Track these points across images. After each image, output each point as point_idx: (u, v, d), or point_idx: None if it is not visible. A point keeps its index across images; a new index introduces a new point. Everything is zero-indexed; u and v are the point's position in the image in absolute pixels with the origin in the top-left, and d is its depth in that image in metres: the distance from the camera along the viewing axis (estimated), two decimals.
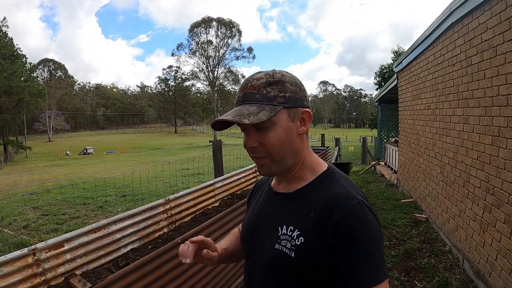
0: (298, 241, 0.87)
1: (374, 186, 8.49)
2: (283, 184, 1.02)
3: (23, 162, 31.16)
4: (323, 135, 12.55)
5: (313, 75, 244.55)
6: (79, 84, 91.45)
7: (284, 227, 0.92)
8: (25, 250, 2.28)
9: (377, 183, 8.99)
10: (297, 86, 0.93)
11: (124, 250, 3.37)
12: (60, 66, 69.54)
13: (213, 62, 51.23)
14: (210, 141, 5.85)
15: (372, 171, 11.38)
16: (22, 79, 38.33)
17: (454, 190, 4.08)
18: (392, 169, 9.88)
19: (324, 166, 0.99)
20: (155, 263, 2.36)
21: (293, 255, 0.86)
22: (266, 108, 0.88)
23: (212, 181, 5.41)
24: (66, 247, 2.64)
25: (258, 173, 7.16)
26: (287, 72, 0.95)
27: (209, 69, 51.08)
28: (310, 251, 0.85)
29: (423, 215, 5.42)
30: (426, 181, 5.42)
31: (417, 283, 3.49)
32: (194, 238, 1.02)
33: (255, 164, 0.98)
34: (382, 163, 11.70)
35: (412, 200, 6.36)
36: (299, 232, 0.88)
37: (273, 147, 0.90)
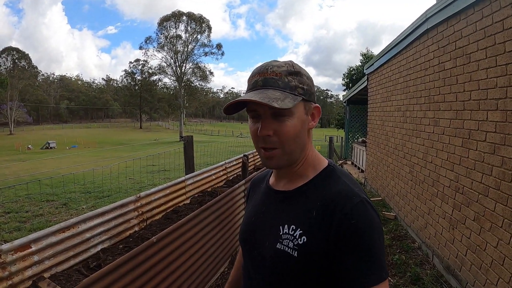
0: (300, 241, 0.85)
1: None
2: (283, 182, 0.99)
3: None
4: None
5: None
6: (42, 75, 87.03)
7: (286, 226, 0.90)
8: None
9: None
10: (311, 81, 0.93)
11: (94, 250, 3.24)
12: (24, 56, 65.48)
13: (181, 57, 50.29)
14: (181, 137, 5.72)
15: None
16: None
17: (423, 189, 4.24)
18: (359, 168, 10.15)
19: (324, 162, 0.97)
20: (130, 264, 2.27)
21: (296, 254, 0.85)
22: (289, 96, 0.85)
23: (183, 178, 5.31)
24: (34, 248, 2.49)
25: (227, 171, 7.13)
26: (300, 66, 0.93)
27: (177, 64, 50.10)
28: (313, 250, 0.83)
29: (392, 213, 5.59)
30: (395, 180, 5.59)
31: (389, 278, 3.59)
32: None
33: (260, 156, 0.93)
34: (349, 162, 12.00)
35: (380, 198, 6.55)
36: (301, 231, 0.86)
37: (288, 137, 0.87)
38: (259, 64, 0.94)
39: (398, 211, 5.40)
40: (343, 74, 25.36)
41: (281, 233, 0.90)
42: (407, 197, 4.92)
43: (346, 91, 22.49)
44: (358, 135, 13.13)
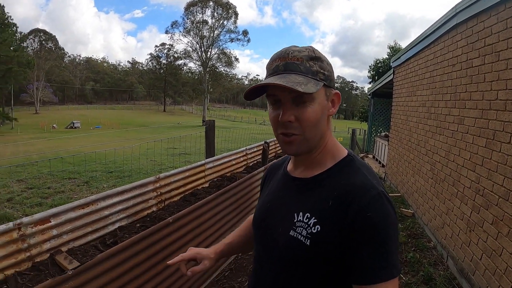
0: (314, 229, 0.84)
1: None
2: (301, 169, 0.98)
3: (8, 133, 30.45)
4: None
5: None
6: (69, 56, 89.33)
7: (301, 213, 0.88)
8: (10, 224, 2.21)
9: None
10: (331, 67, 0.91)
11: (111, 228, 3.33)
12: (51, 37, 67.26)
13: (207, 42, 50.36)
14: (204, 121, 5.75)
15: None
16: (11, 48, 37.06)
17: (443, 188, 4.14)
18: (380, 162, 9.99)
19: (344, 152, 0.95)
20: (144, 243, 2.33)
21: (308, 243, 0.84)
22: (311, 81, 0.84)
23: (203, 162, 5.36)
24: (53, 222, 2.58)
25: (247, 157, 7.17)
26: (321, 53, 0.91)
27: (203, 50, 50.23)
28: (326, 240, 0.82)
29: (410, 210, 5.50)
30: (415, 177, 5.48)
31: (402, 276, 3.56)
32: (185, 255, 1.12)
33: (279, 142, 0.92)
34: (371, 156, 11.82)
35: (399, 194, 6.44)
36: (316, 220, 0.85)
37: (310, 123, 0.86)
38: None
39: (416, 208, 5.30)
40: (369, 66, 24.77)
41: (295, 220, 0.89)
42: (426, 195, 4.82)
43: (371, 83, 22.03)
44: (381, 129, 12.87)
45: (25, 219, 2.28)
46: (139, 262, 2.27)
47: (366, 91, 13.63)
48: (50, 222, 2.52)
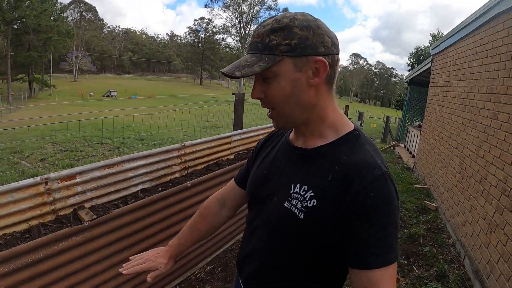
0: (310, 203, 0.81)
1: (390, 166, 8.39)
2: (302, 139, 0.93)
3: (46, 99, 31.94)
4: (347, 107, 12.27)
5: (345, 46, 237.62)
6: (108, 27, 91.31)
7: (298, 185, 0.85)
8: (38, 178, 2.31)
9: (393, 163, 8.87)
10: (310, 30, 0.79)
11: (134, 189, 3.44)
12: (91, 8, 69.16)
13: (246, 18, 50.12)
14: (233, 93, 5.78)
15: (391, 151, 11.22)
16: (52, 18, 38.42)
17: (469, 185, 3.99)
18: (411, 152, 9.71)
19: (350, 126, 0.89)
20: (161, 203, 2.42)
21: (302, 216, 0.81)
22: (264, 59, 0.79)
23: (230, 133, 5.42)
24: (78, 179, 2.69)
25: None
26: (302, 15, 0.81)
27: (241, 25, 50.08)
28: (321, 216, 0.79)
29: (434, 204, 5.36)
30: (443, 170, 5.31)
31: (415, 268, 3.51)
32: (138, 269, 1.08)
33: None
34: (402, 145, 11.50)
35: (426, 187, 6.28)
36: (312, 194, 0.81)
37: (276, 99, 0.83)
38: None
39: (440, 203, 5.16)
40: (410, 54, 23.81)
41: (291, 192, 0.86)
42: (452, 190, 4.67)
43: (410, 71, 21.21)
44: (416, 118, 12.44)
45: (52, 175, 2.40)
46: (154, 222, 2.38)
47: (405, 79, 13.16)
48: (76, 179, 2.64)
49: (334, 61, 0.84)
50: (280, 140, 1.04)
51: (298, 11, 0.83)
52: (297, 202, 0.83)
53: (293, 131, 0.99)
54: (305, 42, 0.79)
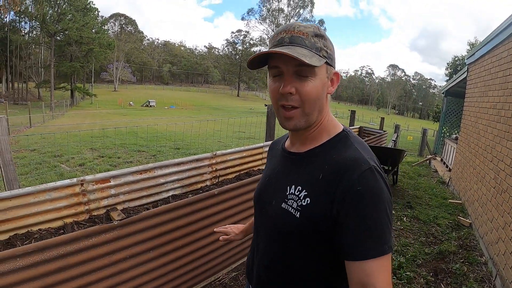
0: (304, 202, 0.85)
1: (425, 180, 8.13)
2: (297, 145, 1.00)
3: (87, 107, 33.54)
4: (383, 119, 12.02)
5: (382, 56, 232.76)
6: (148, 39, 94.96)
7: (293, 186, 0.91)
8: (74, 180, 2.50)
9: (428, 177, 8.58)
10: (333, 47, 0.92)
11: (165, 195, 3.59)
12: (131, 21, 72.24)
13: None
14: (266, 105, 5.88)
15: (426, 164, 10.85)
16: (93, 31, 40.62)
17: (504, 200, 3.82)
18: (447, 166, 9.37)
19: (339, 128, 0.97)
20: (188, 209, 2.52)
21: (298, 215, 0.86)
22: (315, 56, 0.85)
23: (262, 144, 5.49)
24: (112, 182, 2.87)
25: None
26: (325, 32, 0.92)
27: None
28: (315, 213, 0.83)
29: (468, 220, 5.15)
30: (478, 185, 5.10)
31: (443, 286, 3.39)
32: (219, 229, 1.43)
33: (279, 116, 0.94)
34: (439, 158, 11.10)
35: (460, 202, 6.04)
36: (306, 193, 0.86)
37: (310, 97, 0.87)
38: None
39: (474, 219, 4.95)
40: (447, 63, 22.99)
41: (287, 193, 0.92)
42: (486, 205, 4.48)
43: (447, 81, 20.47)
44: (454, 131, 11.98)
45: (88, 177, 2.59)
46: (180, 226, 2.48)
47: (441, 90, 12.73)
48: (110, 182, 2.82)
49: None
50: (278, 149, 1.12)
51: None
52: (293, 202, 0.89)
53: (288, 139, 1.07)
54: (333, 55, 0.92)
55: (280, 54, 0.83)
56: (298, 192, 0.88)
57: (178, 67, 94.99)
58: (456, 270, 3.69)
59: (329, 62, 0.89)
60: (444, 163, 9.94)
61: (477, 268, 3.82)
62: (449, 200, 6.21)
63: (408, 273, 3.51)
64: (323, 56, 0.87)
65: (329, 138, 0.94)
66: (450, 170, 8.51)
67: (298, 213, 0.86)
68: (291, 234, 0.89)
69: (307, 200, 0.85)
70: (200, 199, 2.64)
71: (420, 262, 3.82)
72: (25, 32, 39.92)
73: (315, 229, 0.84)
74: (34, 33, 40.99)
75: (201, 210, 2.66)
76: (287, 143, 1.07)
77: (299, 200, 0.87)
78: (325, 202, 0.82)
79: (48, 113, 22.14)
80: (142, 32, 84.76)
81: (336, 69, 0.94)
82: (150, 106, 38.18)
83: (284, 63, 0.86)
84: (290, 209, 0.88)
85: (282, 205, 0.91)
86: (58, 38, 38.23)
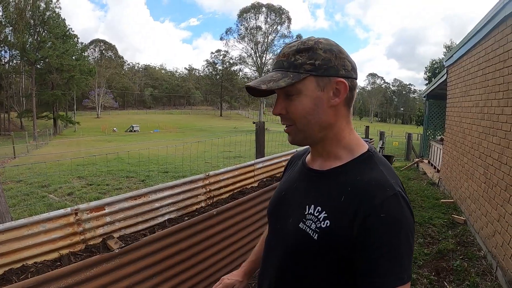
0: (323, 224, 0.82)
1: (415, 183, 8.24)
2: (318, 161, 0.96)
3: (71, 136, 33.13)
4: (367, 127, 12.23)
5: (361, 66, 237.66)
6: (128, 64, 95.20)
7: (312, 206, 0.87)
8: (68, 209, 2.42)
9: (418, 180, 8.71)
10: (333, 53, 0.85)
11: (161, 219, 3.52)
12: (111, 47, 72.70)
13: (261, 48, 51.35)
14: (254, 122, 5.91)
15: (414, 168, 11.02)
16: (73, 57, 40.64)
17: (496, 193, 3.90)
18: (435, 167, 9.53)
19: (364, 147, 0.91)
20: (189, 231, 2.48)
21: (316, 237, 0.82)
22: (289, 75, 0.84)
23: (253, 162, 5.50)
24: (107, 210, 2.79)
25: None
26: (326, 39, 0.88)
27: (257, 55, 51.27)
28: (334, 237, 0.80)
29: (462, 217, 5.22)
30: (468, 182, 5.20)
31: (446, 284, 3.41)
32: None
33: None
34: (426, 161, 11.29)
35: (452, 200, 6.13)
36: (326, 215, 0.83)
37: (297, 115, 0.87)
38: None
39: (468, 215, 5.02)
40: (425, 68, 23.68)
41: (306, 213, 0.87)
42: (478, 201, 4.56)
43: (427, 85, 21.02)
44: (438, 133, 12.23)
45: (82, 206, 2.52)
46: (182, 249, 2.44)
47: (422, 94, 13.06)
48: (105, 209, 2.76)
49: (353, 85, 0.88)
50: (298, 163, 1.08)
51: (321, 37, 0.89)
52: (311, 223, 0.85)
53: (310, 154, 1.02)
54: (328, 63, 0.84)
55: (258, 80, 0.87)
56: (318, 213, 0.85)
57: (160, 91, 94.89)
58: (457, 267, 3.73)
59: (318, 73, 0.84)
60: (432, 164, 10.12)
61: (477, 263, 3.87)
62: (441, 200, 6.30)
63: None
64: (305, 70, 0.84)
65: (353, 157, 0.89)
66: (438, 171, 8.65)
67: (316, 235, 0.82)
68: (306, 255, 0.86)
69: (327, 223, 0.82)
70: (200, 220, 2.61)
71: (421, 263, 3.84)
72: (5, 61, 39.48)
73: (333, 252, 0.81)
74: (14, 62, 40.74)
75: (202, 232, 2.62)
76: (308, 158, 1.03)
77: (318, 222, 0.83)
78: (345, 226, 0.79)
79: (32, 143, 21.74)
80: (122, 57, 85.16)
81: (342, 77, 0.86)
82: (134, 131, 37.93)
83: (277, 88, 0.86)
84: (308, 230, 0.85)
85: (300, 225, 0.87)
86: (38, 66, 38.16)
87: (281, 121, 0.92)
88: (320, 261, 0.83)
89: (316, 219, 0.84)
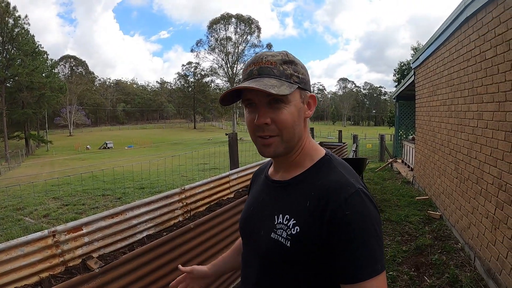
0: (294, 231, 0.84)
1: (390, 183, 8.43)
2: (281, 172, 0.99)
3: (44, 155, 32.07)
4: (340, 132, 12.47)
5: (332, 71, 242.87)
6: (99, 80, 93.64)
7: (280, 215, 0.89)
8: (46, 232, 2.37)
9: (393, 180, 8.92)
10: (306, 70, 0.93)
11: (140, 236, 3.48)
12: (81, 63, 71.37)
13: (232, 58, 51.62)
14: (227, 134, 5.91)
15: (389, 168, 11.28)
16: (43, 75, 39.67)
17: (468, 187, 4.05)
18: (408, 166, 9.79)
19: (322, 152, 0.96)
20: (168, 246, 2.45)
21: (288, 244, 0.84)
22: (285, 83, 0.85)
23: (227, 173, 5.49)
24: (85, 230, 2.74)
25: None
26: (295, 57, 0.93)
27: (228, 65, 51.48)
28: (306, 241, 0.82)
29: (437, 213, 5.38)
30: (441, 178, 5.37)
31: (426, 278, 3.49)
32: (183, 268, 1.23)
33: (257, 145, 0.92)
34: (399, 160, 11.59)
35: (427, 197, 6.31)
36: (295, 221, 0.85)
37: (286, 125, 0.87)
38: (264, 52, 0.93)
39: (443, 210, 5.18)
40: (394, 70, 24.52)
41: (275, 223, 0.89)
42: (452, 195, 4.72)
43: (397, 87, 21.73)
44: (409, 132, 12.61)
45: (59, 227, 2.45)
46: (163, 263, 2.40)
47: (392, 95, 13.49)
48: (82, 230, 2.69)
49: None
50: (261, 177, 1.10)
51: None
52: (282, 232, 0.87)
53: (272, 167, 1.05)
54: (305, 78, 0.91)
55: (259, 84, 0.84)
56: (287, 221, 0.87)
57: (132, 105, 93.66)
58: (436, 261, 3.82)
59: (302, 86, 0.89)
60: (405, 164, 10.39)
61: (455, 255, 3.98)
62: (417, 198, 6.47)
63: (391, 273, 3.59)
64: (294, 82, 0.87)
65: (313, 163, 0.93)
66: (412, 169, 8.89)
67: (289, 242, 0.84)
68: (282, 264, 0.88)
69: (297, 229, 0.84)
70: (178, 234, 2.58)
71: (400, 260, 3.92)
72: None
73: (308, 256, 0.83)
74: None
75: (181, 246, 2.60)
76: (271, 170, 1.06)
77: (289, 229, 0.85)
78: (314, 228, 0.82)
79: (4, 164, 20.84)
80: (93, 73, 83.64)
81: (311, 92, 0.94)
82: (108, 147, 37.10)
83: (256, 95, 0.86)
84: (280, 238, 0.87)
85: (272, 235, 0.89)
86: (8, 84, 36.93)
87: (260, 132, 0.89)
88: (296, 267, 0.86)
89: (286, 227, 0.86)
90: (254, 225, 0.99)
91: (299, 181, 0.91)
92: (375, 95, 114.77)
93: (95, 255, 2.82)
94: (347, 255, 0.77)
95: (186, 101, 71.12)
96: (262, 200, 1.01)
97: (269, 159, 1.06)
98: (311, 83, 0.95)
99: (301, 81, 0.89)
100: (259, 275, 0.95)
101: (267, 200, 0.98)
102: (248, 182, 6.20)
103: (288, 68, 0.88)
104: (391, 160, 11.97)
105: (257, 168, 1.23)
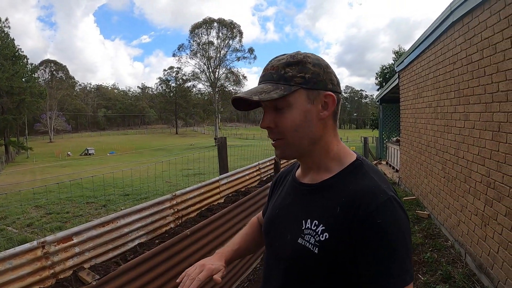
0: (322, 237, 0.82)
1: None
2: (309, 175, 0.96)
3: (24, 162, 31.13)
4: None
5: None
6: (80, 85, 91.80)
7: (309, 220, 0.86)
8: (34, 243, 2.29)
9: None
10: (321, 68, 0.87)
11: (131, 245, 3.41)
12: (62, 67, 69.59)
13: (214, 63, 51.28)
14: (215, 139, 5.89)
15: None
16: (23, 80, 38.49)
17: (456, 186, 4.14)
18: (393, 168, 9.93)
19: (352, 156, 0.92)
20: (164, 255, 2.39)
21: (316, 251, 0.82)
22: (281, 88, 0.84)
23: (217, 178, 5.46)
24: (75, 240, 2.67)
25: (260, 172, 7.25)
26: (313, 54, 0.89)
27: (210, 70, 51.10)
28: (334, 248, 0.80)
29: (425, 212, 5.47)
30: (428, 178, 5.47)
31: (420, 276, 3.55)
32: (202, 278, 0.96)
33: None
34: (384, 162, 11.75)
35: (414, 197, 6.41)
36: (324, 228, 0.83)
37: (287, 129, 0.86)
38: None
39: (431, 209, 5.27)
40: (376, 73, 24.93)
41: (303, 228, 0.87)
42: (440, 195, 4.81)
43: (379, 90, 22.09)
44: (393, 135, 12.81)
45: (49, 238, 2.36)
46: (160, 273, 2.34)
47: (375, 98, 13.69)
48: (73, 240, 2.61)
49: (339, 99, 0.90)
50: (288, 179, 1.07)
51: (308, 52, 0.90)
52: (310, 238, 0.84)
53: (299, 168, 1.02)
54: (317, 77, 0.86)
55: (248, 92, 0.86)
56: (315, 227, 0.84)
57: (114, 111, 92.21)
58: (428, 259, 3.89)
59: (308, 86, 0.85)
60: (390, 165, 10.54)
61: (446, 253, 4.06)
62: (404, 198, 6.56)
63: None
64: (296, 83, 0.84)
65: (343, 167, 0.89)
66: (397, 171, 9.03)
67: (317, 248, 0.82)
68: (309, 270, 0.85)
69: (326, 235, 0.82)
70: (175, 242, 2.53)
71: None
72: None
73: (335, 263, 0.81)
74: None
75: (178, 254, 2.55)
76: (298, 172, 1.02)
77: (317, 236, 0.83)
78: (344, 235, 0.79)
79: None
80: (73, 78, 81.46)
81: (331, 91, 0.88)
82: (89, 154, 36.26)
83: (263, 101, 0.85)
84: (308, 244, 0.84)
85: (299, 241, 0.87)
86: None
87: (268, 135, 0.91)
88: (323, 274, 0.83)
89: (314, 233, 0.84)
90: (280, 228, 0.97)
91: (328, 186, 0.88)
92: (356, 98, 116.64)
93: (86, 265, 2.72)
94: (376, 263, 0.75)
95: (168, 106, 70.28)
96: (289, 203, 0.98)
97: (294, 160, 1.02)
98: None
99: (308, 81, 0.85)
100: (284, 280, 0.92)
101: (295, 204, 0.95)
102: (238, 187, 6.21)
103: (291, 70, 0.85)
104: (375, 162, 12.12)
105: (284, 168, 1.19)
